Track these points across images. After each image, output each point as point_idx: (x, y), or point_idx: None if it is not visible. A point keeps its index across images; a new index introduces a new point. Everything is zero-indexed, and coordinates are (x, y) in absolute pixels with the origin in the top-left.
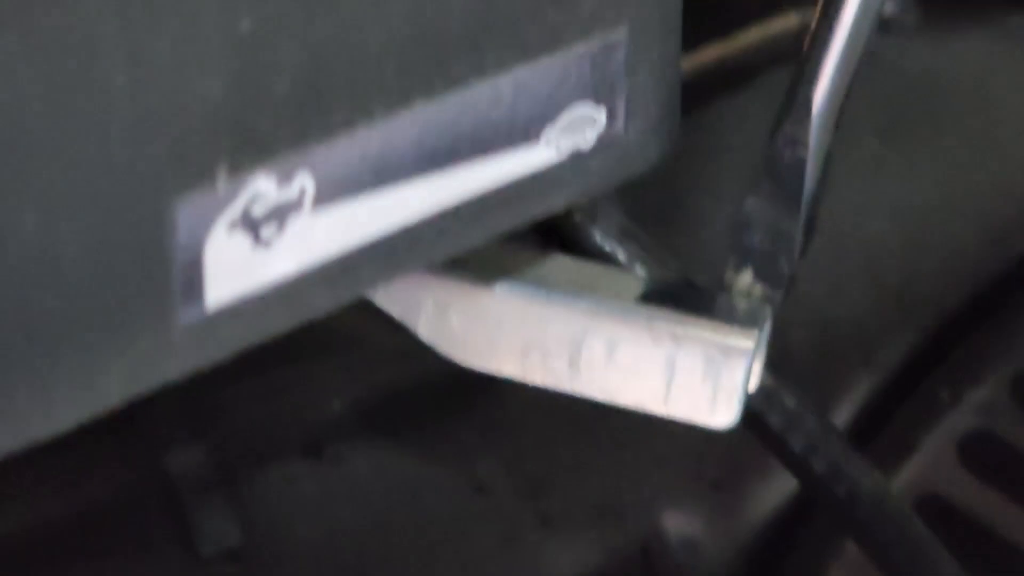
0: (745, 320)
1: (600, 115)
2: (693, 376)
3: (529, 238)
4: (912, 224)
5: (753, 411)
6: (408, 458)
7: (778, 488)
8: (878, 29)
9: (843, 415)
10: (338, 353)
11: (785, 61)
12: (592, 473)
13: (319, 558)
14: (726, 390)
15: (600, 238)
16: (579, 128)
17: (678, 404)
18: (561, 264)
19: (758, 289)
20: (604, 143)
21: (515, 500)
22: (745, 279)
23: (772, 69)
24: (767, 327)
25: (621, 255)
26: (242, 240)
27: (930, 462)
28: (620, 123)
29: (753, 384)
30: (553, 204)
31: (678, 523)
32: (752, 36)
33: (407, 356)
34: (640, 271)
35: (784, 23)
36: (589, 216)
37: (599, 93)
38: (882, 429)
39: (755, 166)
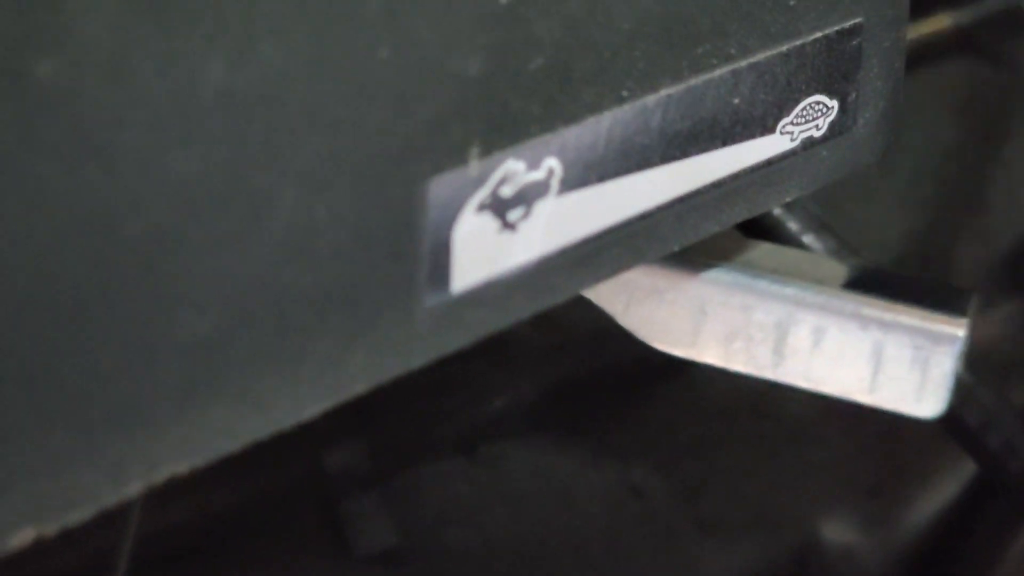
0: (953, 307)
1: (833, 104)
2: (901, 364)
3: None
4: None
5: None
6: (562, 460)
7: (935, 495)
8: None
9: None
10: (494, 353)
11: (935, 62)
12: (747, 479)
13: (473, 562)
14: (934, 379)
15: (797, 230)
16: (813, 118)
17: (884, 393)
18: (764, 251)
19: None
20: (835, 133)
21: (671, 504)
22: None
23: (921, 70)
24: (972, 315)
25: (817, 247)
26: (490, 223)
27: None
28: (852, 113)
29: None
30: (786, 193)
31: (834, 531)
32: None
33: (561, 356)
34: None
35: (936, 23)
36: (787, 208)
37: (833, 82)
38: None
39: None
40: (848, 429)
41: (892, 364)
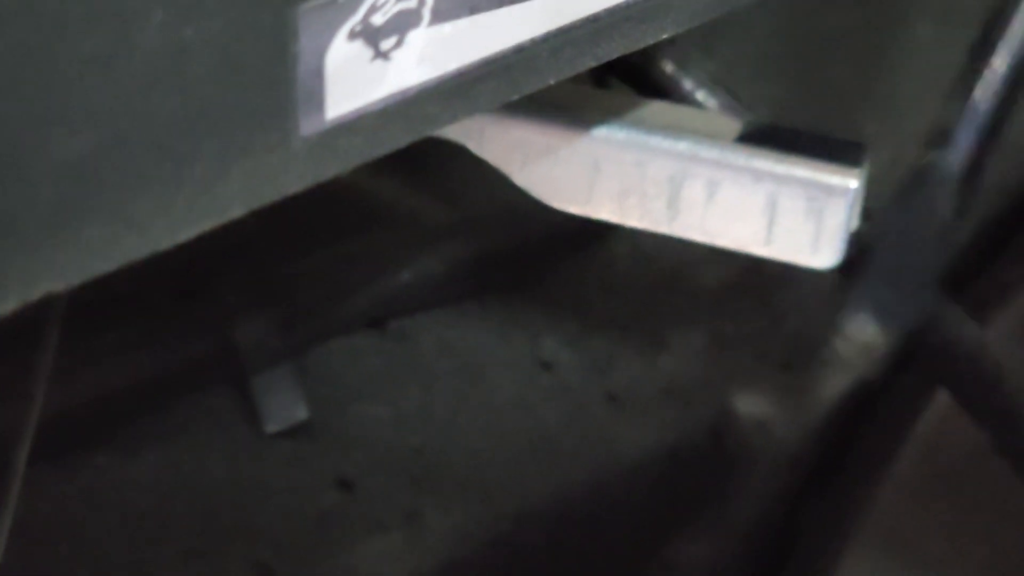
0: (847, 159)
1: None
2: (795, 215)
3: (621, 87)
4: None
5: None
6: (472, 334)
7: (846, 369)
8: None
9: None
10: (402, 229)
11: None
12: (658, 353)
13: (384, 436)
14: (829, 229)
15: (692, 87)
16: None
17: (779, 244)
18: (657, 108)
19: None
20: None
21: (582, 377)
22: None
23: None
24: (866, 168)
25: (712, 104)
26: (362, 51)
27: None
28: None
29: (853, 227)
30: (664, 30)
31: (747, 404)
32: None
33: (469, 232)
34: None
35: None
36: (680, 65)
37: None
38: (976, 278)
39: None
40: (760, 303)
41: (787, 216)
